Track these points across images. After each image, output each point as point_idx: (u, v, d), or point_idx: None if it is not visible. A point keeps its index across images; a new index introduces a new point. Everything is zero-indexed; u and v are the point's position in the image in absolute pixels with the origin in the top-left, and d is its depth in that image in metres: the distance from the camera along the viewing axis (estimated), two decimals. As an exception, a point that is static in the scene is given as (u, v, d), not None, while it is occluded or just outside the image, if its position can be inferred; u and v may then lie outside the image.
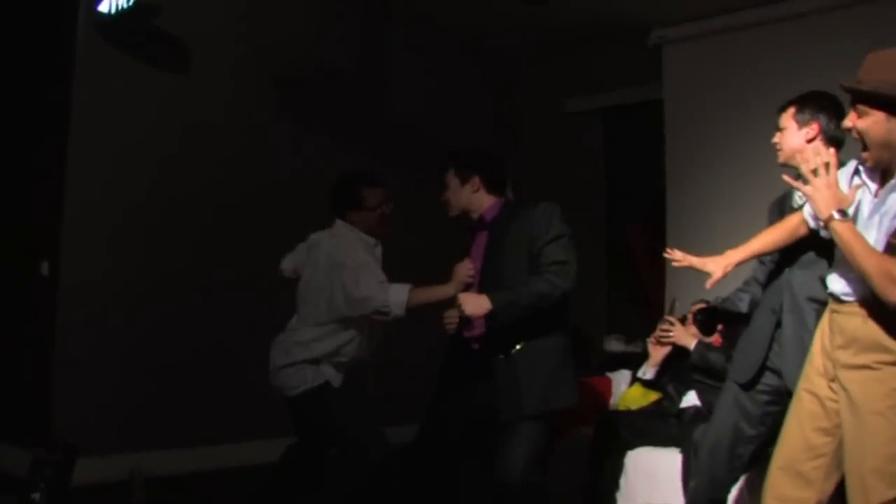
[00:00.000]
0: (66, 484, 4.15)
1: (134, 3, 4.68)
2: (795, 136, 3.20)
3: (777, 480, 2.77)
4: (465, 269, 3.53)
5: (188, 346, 5.25)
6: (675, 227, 6.85)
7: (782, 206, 3.32)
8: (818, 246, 3.00)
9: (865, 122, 2.52)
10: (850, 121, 2.58)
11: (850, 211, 2.57)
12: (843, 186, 2.69)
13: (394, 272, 3.80)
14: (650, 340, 4.57)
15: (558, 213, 3.46)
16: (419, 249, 5.50)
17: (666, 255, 3.25)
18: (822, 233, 2.85)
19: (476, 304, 3.26)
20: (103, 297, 4.97)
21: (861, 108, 2.53)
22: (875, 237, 2.54)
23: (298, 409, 3.80)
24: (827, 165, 2.61)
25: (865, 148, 2.57)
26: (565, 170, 7.42)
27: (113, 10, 4.81)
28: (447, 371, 3.73)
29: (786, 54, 6.35)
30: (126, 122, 5.11)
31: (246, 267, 5.45)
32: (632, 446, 4.29)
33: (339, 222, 3.89)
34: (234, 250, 5.49)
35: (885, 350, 2.49)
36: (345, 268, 3.67)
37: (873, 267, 2.45)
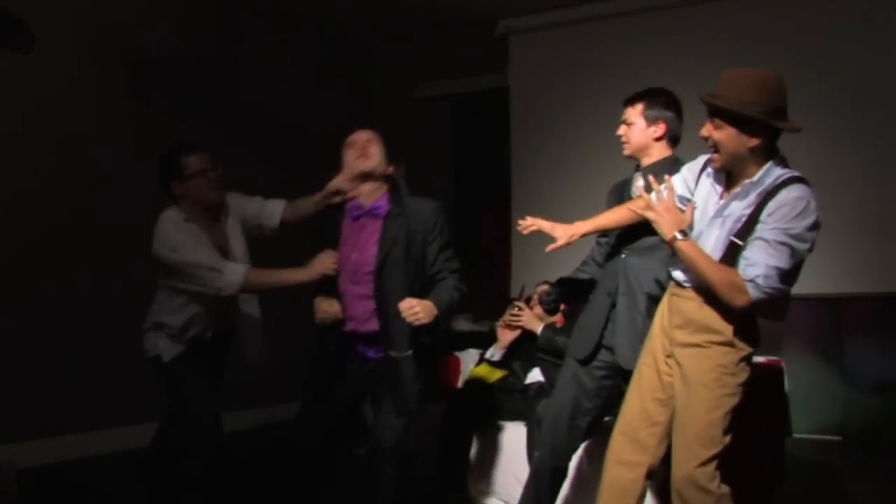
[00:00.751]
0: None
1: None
2: (643, 133, 3.40)
3: (618, 446, 3.06)
4: (329, 261, 3.43)
5: (43, 336, 5.09)
6: (520, 212, 7.05)
7: (621, 193, 3.53)
8: (653, 232, 3.22)
9: (720, 134, 2.78)
10: (706, 131, 2.83)
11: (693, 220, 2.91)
12: (690, 179, 3.00)
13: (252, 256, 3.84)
14: (499, 324, 4.75)
15: (444, 215, 3.54)
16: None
17: (518, 225, 3.33)
18: None
19: (428, 312, 3.22)
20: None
21: (717, 121, 2.78)
22: (718, 235, 2.83)
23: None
24: (667, 190, 2.92)
25: (716, 151, 2.83)
26: (415, 155, 7.50)
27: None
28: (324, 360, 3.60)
29: (626, 48, 6.68)
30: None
31: (98, 253, 5.33)
32: (479, 421, 4.47)
33: (163, 214, 3.67)
34: (84, 236, 5.34)
35: (715, 332, 2.84)
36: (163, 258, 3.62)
37: (717, 278, 2.77)
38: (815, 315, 6.24)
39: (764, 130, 2.74)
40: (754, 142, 2.74)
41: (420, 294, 3.32)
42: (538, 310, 4.27)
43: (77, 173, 5.33)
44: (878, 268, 5.87)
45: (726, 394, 2.82)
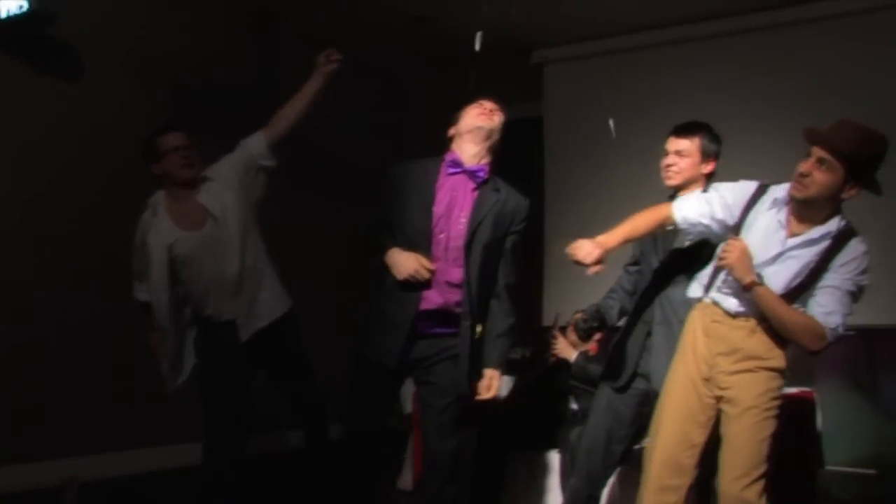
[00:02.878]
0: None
1: (28, 10, 4.61)
2: (696, 167, 3.41)
3: (658, 471, 3.11)
4: (422, 267, 3.23)
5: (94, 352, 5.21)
6: (553, 241, 7.14)
7: None
8: (688, 262, 3.26)
9: (824, 176, 2.80)
10: (808, 167, 2.82)
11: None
12: (736, 207, 3.02)
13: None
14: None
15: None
16: (304, 255, 5.60)
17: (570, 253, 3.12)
18: (687, 227, 3.14)
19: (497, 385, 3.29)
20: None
21: (830, 162, 2.79)
22: (781, 273, 2.91)
23: None
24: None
25: (801, 185, 2.83)
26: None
27: (3, 15, 4.70)
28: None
29: (659, 79, 6.74)
30: (19, 129, 5.02)
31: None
32: (513, 448, 4.51)
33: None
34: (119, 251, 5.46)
35: (762, 359, 2.95)
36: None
37: (798, 324, 2.89)
38: (847, 347, 6.21)
39: (860, 186, 2.84)
40: (851, 193, 2.85)
41: (483, 281, 3.34)
42: (572, 337, 4.30)
43: (125, 197, 5.44)
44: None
45: (773, 416, 2.95)
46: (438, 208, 3.31)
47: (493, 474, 4.41)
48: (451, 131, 3.48)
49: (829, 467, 5.25)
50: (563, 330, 4.50)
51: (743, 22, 6.54)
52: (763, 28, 6.47)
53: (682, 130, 3.45)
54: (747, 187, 3.05)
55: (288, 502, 4.65)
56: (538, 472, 4.36)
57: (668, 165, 3.45)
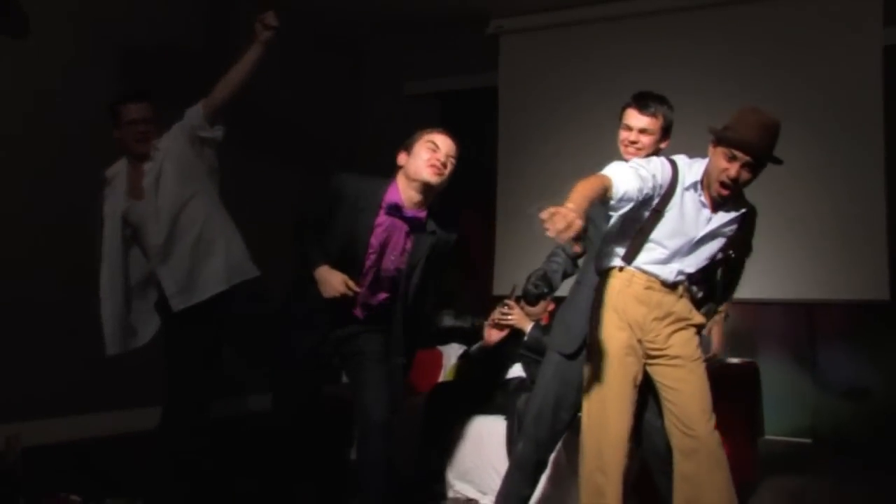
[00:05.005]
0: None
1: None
2: (655, 144, 3.40)
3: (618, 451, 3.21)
4: (344, 286, 3.32)
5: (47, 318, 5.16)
6: (505, 210, 7.19)
7: None
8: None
9: (749, 174, 3.02)
10: (736, 173, 2.99)
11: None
12: (662, 184, 3.11)
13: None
14: (487, 323, 4.78)
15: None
16: (255, 223, 5.56)
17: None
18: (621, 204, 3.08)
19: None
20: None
21: (751, 164, 2.99)
22: (711, 249, 3.19)
23: None
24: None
25: (730, 188, 3.03)
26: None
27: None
28: None
29: (615, 52, 6.81)
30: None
31: (90, 237, 5.37)
32: (460, 414, 4.56)
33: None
34: (79, 223, 5.38)
35: (688, 319, 3.21)
36: None
37: None
38: (789, 320, 6.38)
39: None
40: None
41: (415, 310, 3.49)
42: (527, 308, 4.32)
43: (70, 163, 5.38)
44: (851, 275, 6.00)
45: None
46: (374, 242, 3.40)
47: (440, 439, 4.46)
48: (401, 160, 3.45)
49: (767, 436, 5.40)
50: (518, 300, 4.50)
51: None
52: (721, 3, 6.55)
53: (646, 106, 3.40)
54: (667, 167, 3.13)
55: (244, 468, 4.65)
56: (484, 438, 4.41)
57: (632, 142, 3.42)
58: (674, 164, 3.14)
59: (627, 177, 2.98)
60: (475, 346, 4.89)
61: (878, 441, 5.86)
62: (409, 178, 3.39)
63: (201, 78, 5.96)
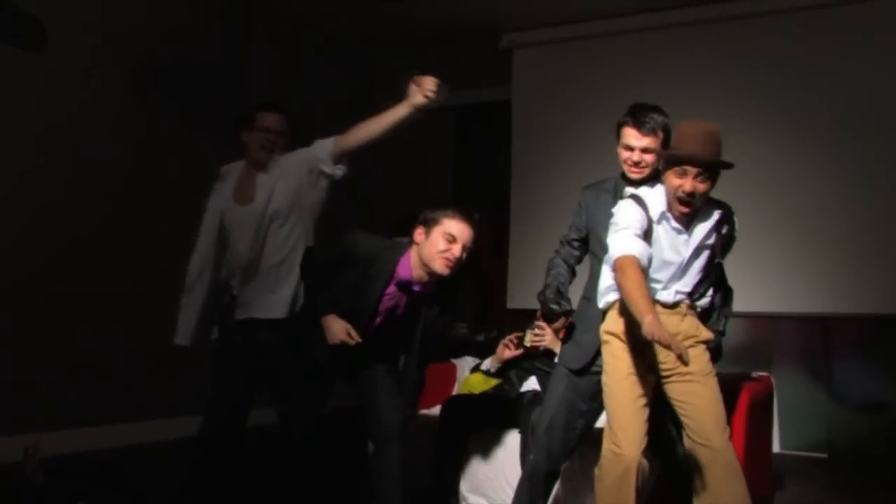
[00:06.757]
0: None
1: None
2: (655, 161, 3.40)
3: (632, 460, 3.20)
4: (347, 334, 3.40)
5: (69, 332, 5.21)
6: (518, 224, 7.20)
7: (600, 196, 3.62)
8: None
9: (705, 186, 3.09)
10: (692, 186, 3.06)
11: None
12: (645, 221, 3.18)
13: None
14: (504, 342, 4.79)
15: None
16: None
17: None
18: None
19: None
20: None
21: (705, 176, 3.07)
22: (700, 264, 3.26)
23: None
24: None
25: (688, 203, 3.11)
26: (416, 165, 7.63)
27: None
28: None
29: (628, 66, 6.80)
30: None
31: (110, 251, 5.48)
32: (474, 428, 4.56)
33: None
34: (99, 235, 5.48)
35: (696, 336, 3.29)
36: None
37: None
38: (804, 334, 6.35)
39: None
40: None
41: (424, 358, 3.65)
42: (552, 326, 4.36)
43: (88, 172, 5.43)
44: (866, 289, 5.98)
45: None
46: (381, 308, 3.51)
47: (454, 453, 4.46)
48: (417, 236, 3.47)
49: (783, 451, 5.37)
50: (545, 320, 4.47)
51: (714, 11, 6.63)
52: (734, 17, 6.56)
53: (645, 125, 3.41)
54: (639, 209, 3.20)
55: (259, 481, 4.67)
56: (498, 451, 4.40)
57: (636, 163, 3.44)
58: (641, 202, 3.21)
59: (638, 245, 3.12)
60: (487, 361, 4.92)
61: (894, 456, 5.81)
62: (423, 259, 3.43)
63: (216, 89, 6.07)
